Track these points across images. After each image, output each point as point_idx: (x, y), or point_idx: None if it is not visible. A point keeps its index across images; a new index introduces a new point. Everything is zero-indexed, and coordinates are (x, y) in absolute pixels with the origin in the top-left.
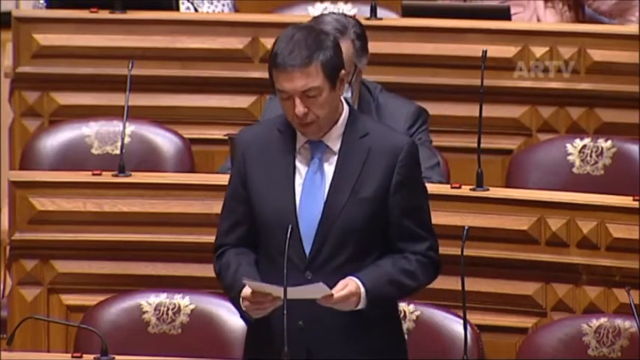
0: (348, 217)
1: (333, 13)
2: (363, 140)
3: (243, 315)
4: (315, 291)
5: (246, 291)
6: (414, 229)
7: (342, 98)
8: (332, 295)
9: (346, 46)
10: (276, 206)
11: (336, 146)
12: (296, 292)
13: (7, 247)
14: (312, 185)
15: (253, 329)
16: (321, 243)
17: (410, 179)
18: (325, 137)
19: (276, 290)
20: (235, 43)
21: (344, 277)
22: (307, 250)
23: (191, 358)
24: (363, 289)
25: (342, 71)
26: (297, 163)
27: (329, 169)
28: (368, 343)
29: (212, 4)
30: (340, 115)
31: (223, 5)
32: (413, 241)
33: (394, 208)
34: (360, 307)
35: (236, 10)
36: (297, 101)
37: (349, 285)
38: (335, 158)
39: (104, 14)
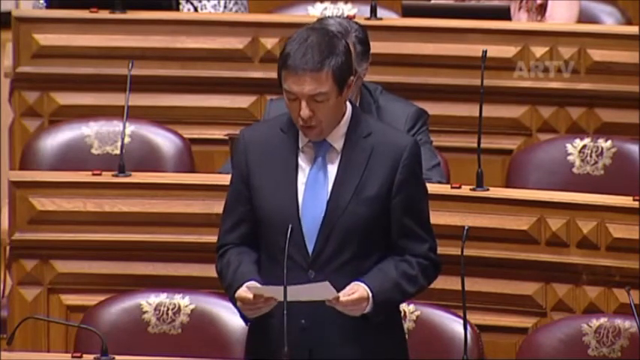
0: (351, 216)
1: (337, 16)
2: (367, 139)
3: (243, 315)
4: (319, 291)
5: (240, 292)
6: (415, 229)
7: None
8: (338, 297)
9: None
10: (278, 205)
11: (339, 145)
12: (300, 292)
13: (7, 247)
14: (315, 184)
15: (255, 329)
16: (324, 241)
17: (412, 179)
18: (329, 136)
19: (279, 291)
20: (235, 43)
21: (347, 275)
22: (310, 249)
23: (191, 358)
24: (370, 294)
25: (351, 77)
26: (301, 162)
27: (332, 168)
28: (370, 344)
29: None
30: (343, 114)
31: (238, 5)
32: (413, 241)
33: (396, 207)
34: (366, 311)
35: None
36: (304, 104)
37: (359, 290)
38: (338, 157)
39: (104, 14)
